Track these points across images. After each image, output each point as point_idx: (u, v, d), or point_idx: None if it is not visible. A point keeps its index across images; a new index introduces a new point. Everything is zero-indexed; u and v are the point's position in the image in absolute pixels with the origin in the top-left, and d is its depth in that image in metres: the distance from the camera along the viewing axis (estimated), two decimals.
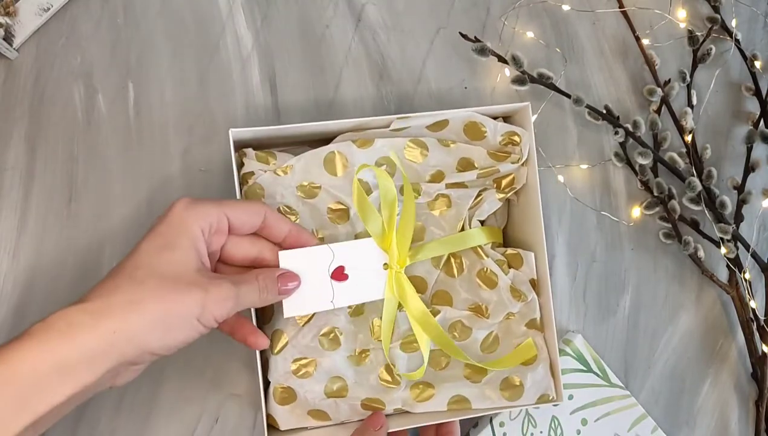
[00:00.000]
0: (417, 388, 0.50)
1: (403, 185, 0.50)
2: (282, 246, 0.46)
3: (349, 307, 0.49)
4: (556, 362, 0.49)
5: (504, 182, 0.51)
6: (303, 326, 0.49)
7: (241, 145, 0.49)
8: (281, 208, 0.49)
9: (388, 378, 0.50)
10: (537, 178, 0.50)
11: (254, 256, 0.45)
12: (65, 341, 0.37)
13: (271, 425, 0.49)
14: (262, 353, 0.49)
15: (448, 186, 0.51)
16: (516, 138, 0.51)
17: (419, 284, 0.51)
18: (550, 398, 0.50)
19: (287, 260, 0.46)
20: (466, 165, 0.51)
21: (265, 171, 0.49)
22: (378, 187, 0.50)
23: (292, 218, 0.49)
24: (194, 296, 0.40)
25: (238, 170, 0.49)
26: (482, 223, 0.53)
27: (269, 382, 0.49)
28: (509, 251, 0.52)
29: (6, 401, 0.36)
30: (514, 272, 0.51)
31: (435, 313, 0.50)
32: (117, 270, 0.40)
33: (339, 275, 0.47)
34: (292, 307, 0.46)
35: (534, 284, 0.51)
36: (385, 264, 0.49)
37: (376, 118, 0.49)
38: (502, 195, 0.51)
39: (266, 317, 0.50)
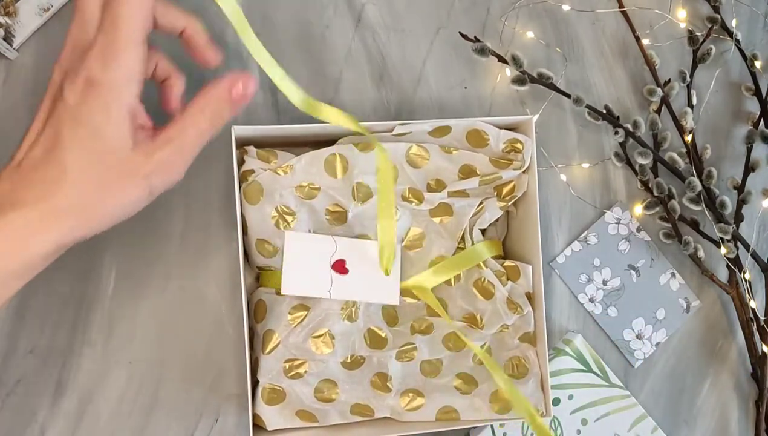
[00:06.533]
0: (407, 396, 0.50)
1: (403, 191, 0.50)
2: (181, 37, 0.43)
3: (342, 309, 0.49)
4: (546, 376, 0.50)
5: (505, 190, 0.51)
6: (295, 326, 0.49)
7: (242, 144, 0.49)
8: (279, 208, 0.49)
9: (380, 384, 0.50)
10: (536, 189, 0.50)
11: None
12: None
13: (258, 426, 0.49)
14: (252, 353, 0.49)
15: (450, 194, 0.51)
16: (519, 145, 0.50)
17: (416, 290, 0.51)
18: (540, 412, 0.50)
19: (292, 240, 0.48)
20: (468, 172, 0.51)
21: (266, 169, 0.49)
22: (376, 192, 0.50)
23: (290, 218, 0.49)
24: (139, 191, 0.38)
25: (239, 168, 0.49)
26: (483, 232, 0.52)
27: (258, 382, 0.49)
28: (507, 262, 0.52)
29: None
30: (511, 284, 0.51)
31: (429, 324, 0.50)
32: (47, 161, 0.36)
33: (339, 267, 0.48)
34: (290, 285, 0.47)
35: (530, 297, 0.51)
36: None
37: (379, 124, 0.49)
38: (503, 203, 0.51)
39: (258, 316, 0.50)
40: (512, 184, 0.51)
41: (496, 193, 0.51)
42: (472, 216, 0.51)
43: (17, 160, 0.38)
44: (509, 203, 0.51)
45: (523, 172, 0.51)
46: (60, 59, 0.39)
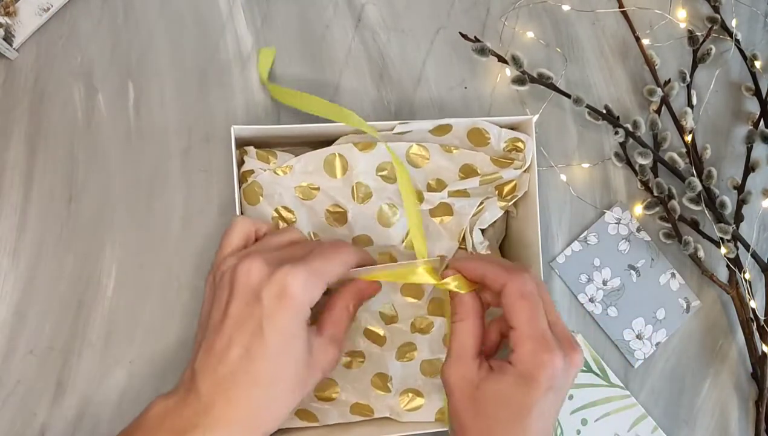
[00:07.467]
0: (406, 396, 0.50)
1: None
2: None
3: None
4: None
5: (506, 190, 0.51)
6: None
7: (242, 144, 0.49)
8: (278, 209, 0.49)
9: (380, 384, 0.50)
10: (536, 189, 0.50)
11: None
12: None
13: None
14: None
15: (451, 194, 0.51)
16: (520, 144, 0.50)
17: (416, 291, 0.51)
18: None
19: None
20: (468, 172, 0.51)
21: (265, 170, 0.48)
22: (377, 192, 0.49)
23: (290, 218, 0.49)
24: (317, 381, 0.42)
25: (239, 168, 0.49)
26: (483, 232, 0.52)
27: None
28: None
29: None
30: None
31: (429, 323, 0.50)
32: (245, 372, 0.38)
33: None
34: None
35: None
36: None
37: (379, 124, 0.49)
38: (504, 203, 0.51)
39: None
40: (513, 183, 0.51)
41: (497, 192, 0.51)
42: (472, 216, 0.51)
43: (210, 365, 0.39)
44: (510, 203, 0.51)
45: (524, 171, 0.51)
46: (257, 253, 0.41)
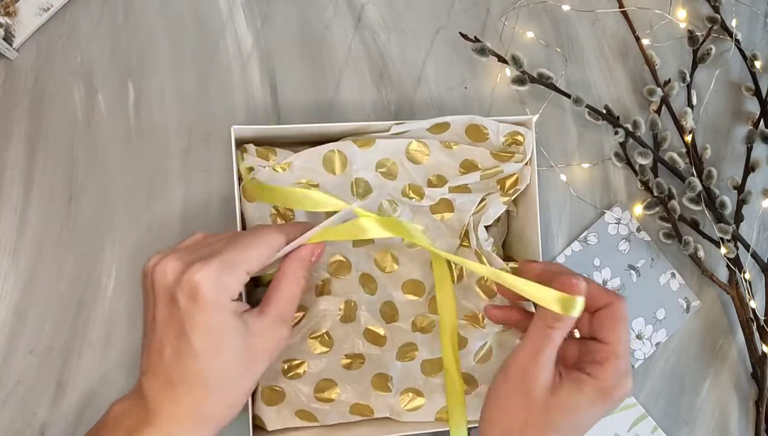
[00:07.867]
0: (406, 395, 0.50)
1: (404, 187, 0.50)
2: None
3: (340, 309, 0.49)
4: None
5: (508, 183, 0.51)
6: (292, 327, 0.48)
7: (241, 144, 0.49)
8: (277, 206, 0.49)
9: (380, 384, 0.49)
10: (536, 188, 0.50)
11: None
12: None
13: (258, 426, 0.49)
14: None
15: (452, 190, 0.51)
16: (519, 138, 0.50)
17: (417, 287, 0.51)
18: None
19: None
20: (469, 167, 0.51)
21: (264, 167, 0.48)
22: (377, 188, 0.50)
23: (289, 215, 0.49)
24: (265, 364, 0.41)
25: (238, 166, 0.48)
26: (487, 228, 0.52)
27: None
28: (511, 264, 0.52)
29: None
30: None
31: (431, 322, 0.50)
32: (180, 373, 0.38)
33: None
34: None
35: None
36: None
37: (377, 124, 0.49)
38: (506, 198, 0.50)
39: None
40: (515, 176, 0.51)
41: (499, 187, 0.51)
42: (475, 213, 0.51)
43: (150, 367, 0.40)
44: (513, 197, 0.51)
45: (525, 164, 0.50)
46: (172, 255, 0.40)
